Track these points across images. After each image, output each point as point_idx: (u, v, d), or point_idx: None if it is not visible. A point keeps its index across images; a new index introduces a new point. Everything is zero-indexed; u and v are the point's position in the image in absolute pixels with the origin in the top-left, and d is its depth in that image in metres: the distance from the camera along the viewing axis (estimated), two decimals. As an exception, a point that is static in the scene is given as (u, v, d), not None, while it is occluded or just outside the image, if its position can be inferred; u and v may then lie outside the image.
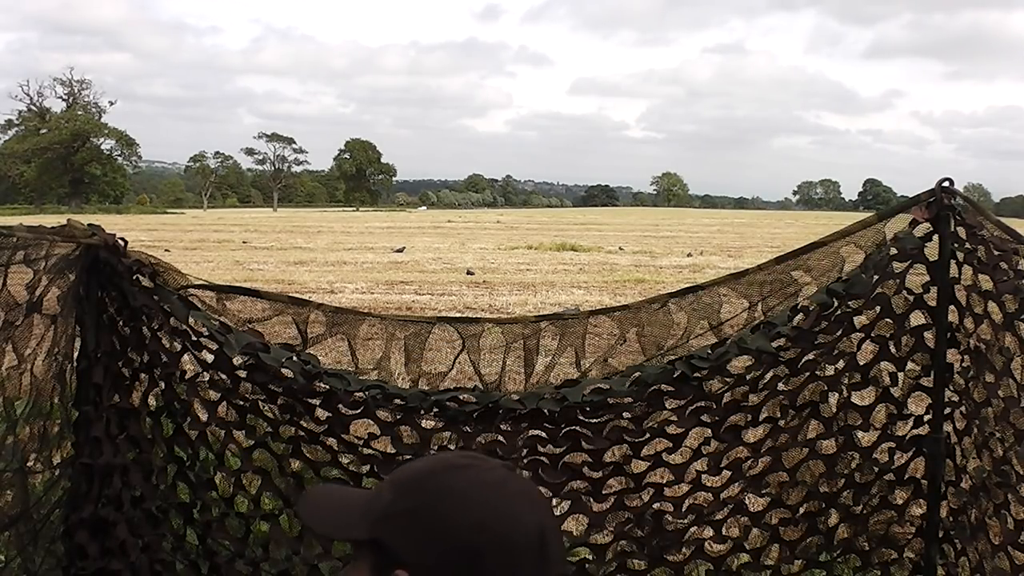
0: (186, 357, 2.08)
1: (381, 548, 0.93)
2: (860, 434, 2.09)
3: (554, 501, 2.02)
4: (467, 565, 0.90)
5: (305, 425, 2.07)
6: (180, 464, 2.15)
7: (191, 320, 2.04)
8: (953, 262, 1.98)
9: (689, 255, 22.98)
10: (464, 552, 0.90)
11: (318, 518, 1.02)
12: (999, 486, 1.84)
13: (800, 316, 2.00)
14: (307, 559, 2.08)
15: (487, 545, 0.90)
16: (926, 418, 2.09)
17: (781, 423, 2.06)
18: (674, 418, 2.04)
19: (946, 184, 1.95)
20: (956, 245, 1.96)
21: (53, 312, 2.00)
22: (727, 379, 2.01)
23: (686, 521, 2.10)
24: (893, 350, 2.05)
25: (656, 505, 2.09)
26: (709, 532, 2.12)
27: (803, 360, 2.02)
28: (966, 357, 1.99)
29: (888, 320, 2.03)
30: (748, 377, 2.01)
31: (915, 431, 2.10)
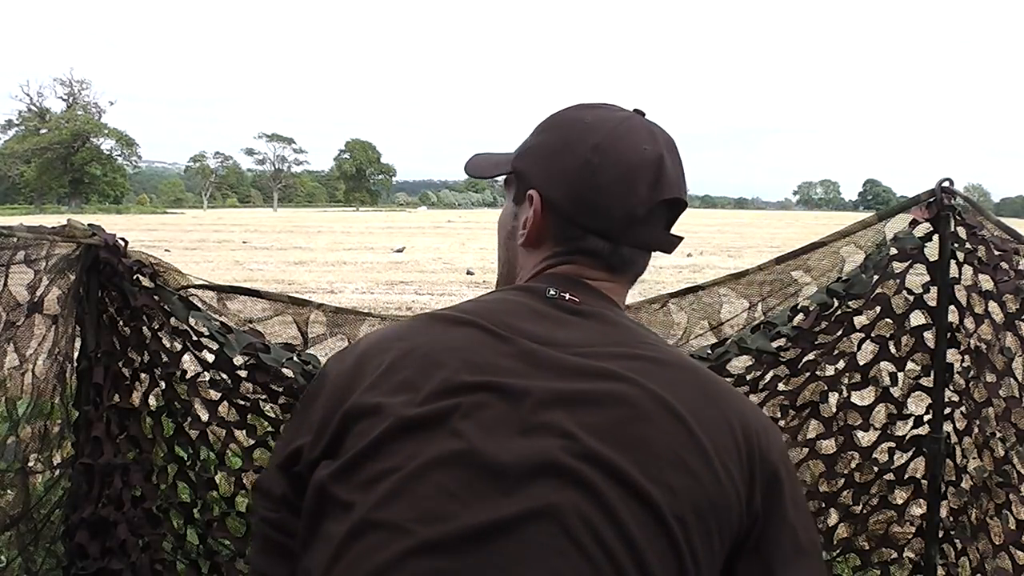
0: (187, 357, 2.08)
1: (520, 177, 1.07)
2: (860, 434, 2.09)
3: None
4: (582, 179, 1.00)
5: (306, 425, 2.07)
6: (181, 464, 2.16)
7: (192, 320, 2.04)
8: (953, 262, 1.98)
9: (689, 255, 22.99)
10: (580, 168, 1.00)
11: (477, 168, 1.18)
12: (1000, 486, 1.84)
13: (800, 316, 2.00)
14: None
15: (603, 163, 1.00)
16: (926, 418, 2.09)
17: (781, 423, 2.06)
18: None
19: (946, 184, 1.96)
20: (956, 245, 1.96)
21: (54, 312, 2.01)
22: (727, 379, 2.01)
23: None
24: (893, 350, 2.05)
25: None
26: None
27: (803, 360, 2.02)
28: (966, 357, 1.99)
29: (888, 320, 2.03)
30: (748, 377, 2.01)
31: (915, 431, 2.10)
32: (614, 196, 1.00)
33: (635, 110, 1.07)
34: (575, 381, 0.90)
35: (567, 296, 1.00)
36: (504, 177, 1.12)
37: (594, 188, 1.00)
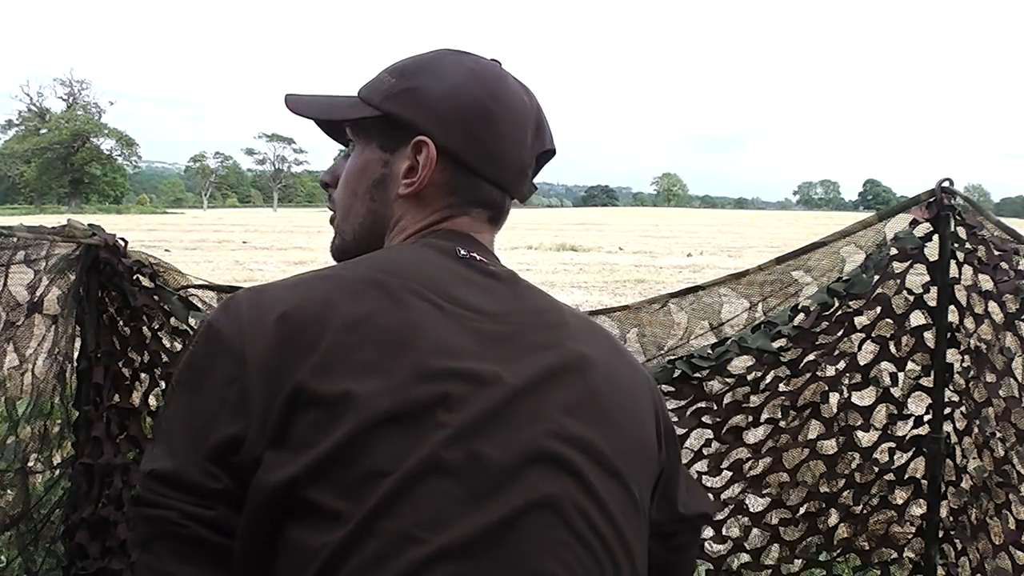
0: (186, 357, 2.08)
1: (394, 122, 0.98)
2: (860, 434, 2.10)
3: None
4: (484, 127, 0.96)
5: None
6: (181, 464, 2.15)
7: (191, 320, 2.04)
8: (953, 262, 1.98)
9: (689, 255, 23.00)
10: (481, 115, 0.96)
11: (310, 107, 1.05)
12: (1000, 486, 1.84)
13: (801, 316, 2.01)
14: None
15: (501, 112, 0.97)
16: (926, 418, 2.09)
17: (782, 424, 2.06)
18: (675, 419, 2.04)
19: (946, 184, 1.96)
20: (956, 245, 1.96)
21: (54, 312, 2.01)
22: (728, 379, 2.01)
23: (687, 521, 2.10)
24: (893, 350, 2.06)
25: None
26: (709, 532, 2.12)
27: (804, 360, 2.02)
28: (966, 357, 1.99)
29: (888, 320, 2.03)
30: (749, 378, 2.02)
31: (915, 431, 2.10)
32: (511, 145, 0.98)
33: (492, 60, 1.03)
34: (531, 358, 0.87)
35: (477, 257, 0.95)
36: (354, 122, 1.02)
37: (494, 136, 0.96)
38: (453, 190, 0.97)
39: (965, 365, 1.99)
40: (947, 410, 2.06)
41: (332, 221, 1.07)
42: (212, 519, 0.81)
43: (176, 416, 0.85)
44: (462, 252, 0.94)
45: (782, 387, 2.04)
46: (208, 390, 0.83)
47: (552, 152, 1.05)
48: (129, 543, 0.80)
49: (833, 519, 2.14)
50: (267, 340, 0.82)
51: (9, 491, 2.03)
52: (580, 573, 0.81)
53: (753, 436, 2.08)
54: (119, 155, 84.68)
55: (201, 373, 0.85)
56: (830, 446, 2.09)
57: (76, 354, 2.08)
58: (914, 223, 1.99)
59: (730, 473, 2.10)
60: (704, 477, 2.10)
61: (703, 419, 2.04)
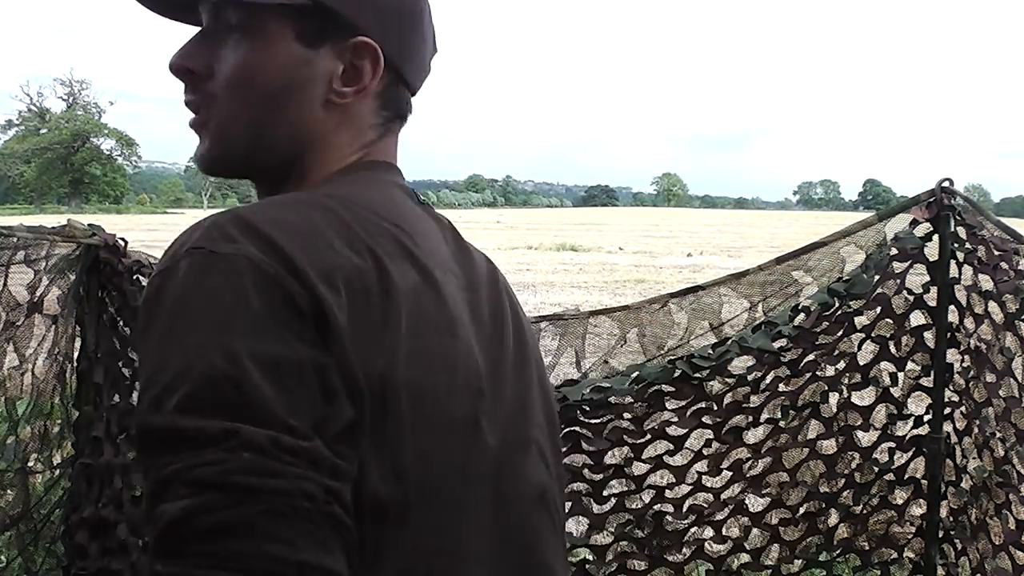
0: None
1: (322, 14, 0.77)
2: (860, 434, 2.10)
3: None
4: (412, 28, 0.82)
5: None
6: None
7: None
8: (953, 262, 1.98)
9: (689, 255, 23.01)
10: (413, 13, 0.82)
11: None
12: (1000, 486, 1.84)
13: (801, 316, 2.01)
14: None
15: (424, 9, 0.84)
16: (926, 418, 2.09)
17: (782, 424, 2.06)
18: (675, 419, 2.04)
19: (946, 184, 1.96)
20: (956, 245, 1.96)
21: (54, 312, 2.01)
22: (728, 380, 2.01)
23: (687, 522, 2.11)
24: (893, 350, 2.06)
25: (657, 506, 2.10)
26: (709, 532, 2.12)
27: (804, 360, 2.02)
28: (966, 357, 1.99)
29: (888, 320, 2.03)
30: (749, 378, 2.02)
31: (915, 431, 2.10)
32: (428, 47, 0.85)
33: None
34: (498, 333, 0.81)
35: (428, 202, 0.84)
36: (265, 6, 0.76)
37: (419, 38, 0.83)
38: (386, 102, 0.82)
39: (965, 365, 1.99)
40: (947, 410, 2.06)
41: (198, 124, 0.80)
42: (347, 502, 0.62)
43: (254, 375, 0.59)
44: (421, 197, 0.83)
45: (782, 387, 2.04)
46: (289, 351, 0.61)
47: (435, 51, 0.91)
48: (200, 527, 0.55)
49: (833, 519, 2.14)
50: (337, 304, 0.63)
51: (9, 491, 2.04)
52: (557, 556, 0.83)
53: (753, 436, 2.08)
54: (119, 155, 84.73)
55: (264, 324, 0.61)
56: (830, 446, 2.09)
57: (76, 354, 2.08)
58: (914, 223, 1.99)
59: (730, 473, 2.10)
60: (704, 477, 2.11)
61: (703, 419, 2.04)
